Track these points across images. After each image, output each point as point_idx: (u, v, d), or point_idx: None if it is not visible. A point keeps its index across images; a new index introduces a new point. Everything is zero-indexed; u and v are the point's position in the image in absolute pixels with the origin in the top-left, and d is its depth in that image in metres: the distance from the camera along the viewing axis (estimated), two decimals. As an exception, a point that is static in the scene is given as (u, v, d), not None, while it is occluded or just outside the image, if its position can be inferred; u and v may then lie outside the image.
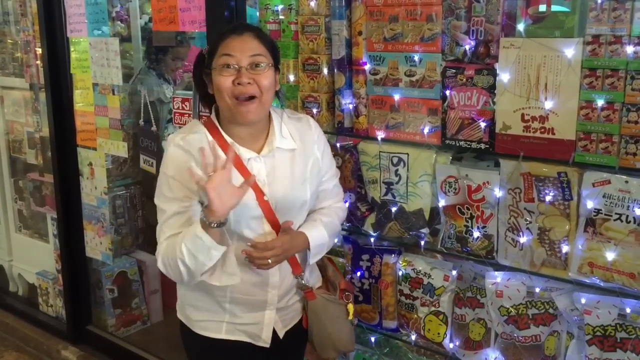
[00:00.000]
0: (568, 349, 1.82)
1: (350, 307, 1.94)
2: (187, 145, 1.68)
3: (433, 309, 2.08)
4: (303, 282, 1.85)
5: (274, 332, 1.85)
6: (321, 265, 2.00)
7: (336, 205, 1.93)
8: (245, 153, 1.70)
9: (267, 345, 1.84)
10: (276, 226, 1.74)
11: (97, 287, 3.37)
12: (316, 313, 1.87)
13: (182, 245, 1.60)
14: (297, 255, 1.83)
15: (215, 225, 1.55)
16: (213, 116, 1.77)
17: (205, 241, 1.57)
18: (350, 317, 1.94)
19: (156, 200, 1.72)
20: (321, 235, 1.82)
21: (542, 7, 1.68)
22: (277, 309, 1.83)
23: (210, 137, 1.70)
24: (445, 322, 2.06)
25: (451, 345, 2.07)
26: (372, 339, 2.33)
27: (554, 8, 1.68)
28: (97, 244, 3.21)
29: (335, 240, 2.33)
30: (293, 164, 1.76)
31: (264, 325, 1.82)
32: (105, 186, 3.08)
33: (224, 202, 1.52)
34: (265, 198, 1.71)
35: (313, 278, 1.92)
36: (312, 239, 1.79)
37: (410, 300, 2.13)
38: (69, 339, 3.38)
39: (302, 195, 1.78)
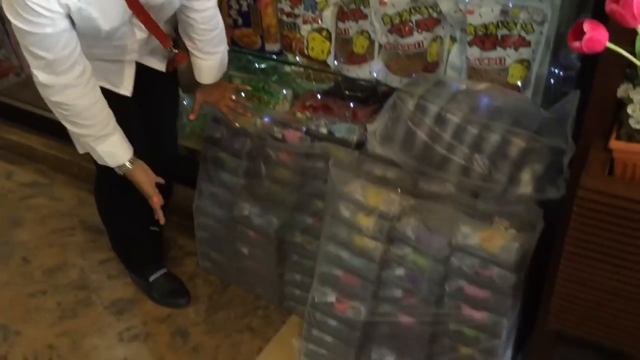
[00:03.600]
0: (450, 53, 1.78)
1: None
2: None
3: (316, 25, 1.95)
4: (174, 50, 1.80)
5: (145, 73, 1.81)
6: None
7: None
8: None
9: (129, 94, 1.80)
10: (148, 24, 1.61)
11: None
12: (186, 73, 1.87)
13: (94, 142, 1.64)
14: (163, 27, 1.71)
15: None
16: None
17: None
18: None
19: (17, 21, 1.39)
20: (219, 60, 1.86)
21: None
22: (141, 57, 1.79)
23: None
24: (328, 38, 1.95)
25: (335, 62, 1.99)
26: (257, 66, 2.23)
27: None
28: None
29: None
30: None
31: (125, 76, 1.77)
32: None
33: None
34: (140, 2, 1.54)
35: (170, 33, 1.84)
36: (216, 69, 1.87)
37: (292, 19, 1.98)
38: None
39: None
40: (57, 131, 2.72)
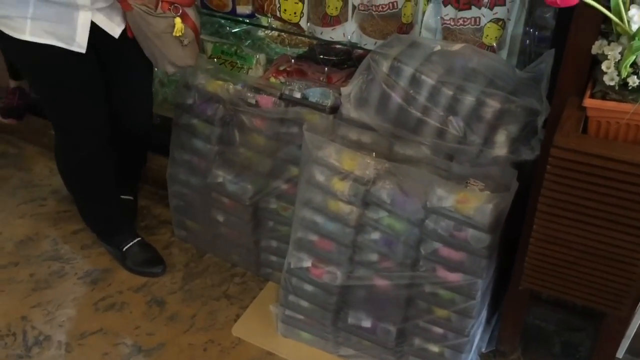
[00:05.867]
0: (424, 13, 1.75)
1: (178, 21, 1.73)
2: None
3: (288, -14, 1.90)
4: None
5: (108, 35, 1.70)
6: None
7: None
8: None
9: (82, 51, 1.68)
10: None
11: None
12: (137, 26, 1.69)
13: None
14: None
15: None
16: None
17: None
18: (177, 33, 1.73)
19: None
20: None
21: None
22: (98, 9, 1.65)
23: None
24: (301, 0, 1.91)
25: (308, 24, 1.95)
26: (230, 30, 2.19)
27: None
28: None
29: None
30: None
31: (78, 25, 1.63)
32: None
33: None
34: None
35: None
36: None
37: (264, -21, 1.93)
38: None
39: None
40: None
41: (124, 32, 1.75)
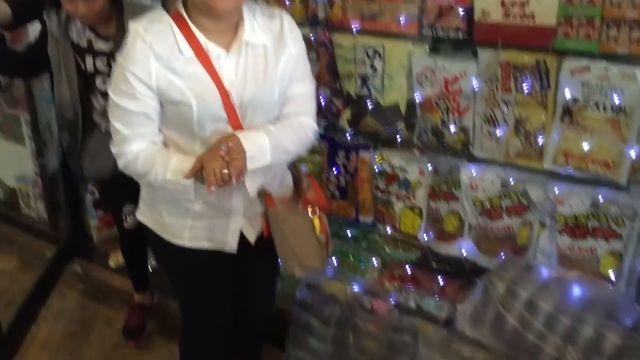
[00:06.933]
0: (540, 238, 1.83)
1: (317, 221, 1.80)
2: (148, 36, 1.57)
3: (408, 203, 2.07)
4: (261, 187, 1.74)
5: (245, 239, 1.81)
6: (296, 176, 1.87)
7: (300, 119, 1.72)
8: (213, 49, 1.57)
9: (234, 251, 1.80)
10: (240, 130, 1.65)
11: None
12: (277, 222, 1.78)
13: (163, 173, 1.62)
14: None
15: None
16: (180, 6, 1.61)
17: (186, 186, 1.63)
18: (317, 232, 1.80)
19: (110, 91, 1.61)
20: (260, 140, 1.62)
21: None
22: (246, 215, 1.78)
23: (176, 28, 1.60)
24: (420, 215, 2.07)
25: (426, 238, 2.08)
26: (349, 233, 2.35)
27: None
28: (72, 147, 3.13)
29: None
30: (265, 63, 1.63)
31: (230, 230, 1.78)
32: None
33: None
34: (231, 100, 1.60)
35: (279, 186, 1.81)
36: (245, 139, 1.59)
37: (386, 196, 2.12)
38: (53, 241, 3.39)
39: (270, 96, 1.65)
40: (154, 282, 2.93)
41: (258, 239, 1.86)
